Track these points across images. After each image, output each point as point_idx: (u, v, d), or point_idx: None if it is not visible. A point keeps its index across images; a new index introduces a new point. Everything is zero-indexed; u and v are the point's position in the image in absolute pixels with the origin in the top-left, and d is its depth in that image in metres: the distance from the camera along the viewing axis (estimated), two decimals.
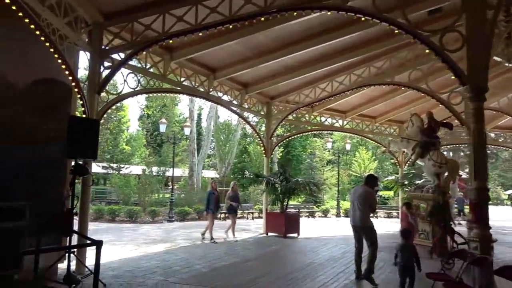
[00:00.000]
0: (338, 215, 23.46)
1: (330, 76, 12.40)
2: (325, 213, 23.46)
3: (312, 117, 15.62)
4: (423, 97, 14.35)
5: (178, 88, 10.24)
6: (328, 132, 60.92)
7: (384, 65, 11.42)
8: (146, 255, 9.20)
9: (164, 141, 44.60)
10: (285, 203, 13.30)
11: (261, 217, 21.13)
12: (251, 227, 16.09)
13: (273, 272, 7.82)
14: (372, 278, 6.86)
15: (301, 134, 17.13)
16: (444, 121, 12.59)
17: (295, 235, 13.22)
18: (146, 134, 49.17)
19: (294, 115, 14.96)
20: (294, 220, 13.30)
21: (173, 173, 19.13)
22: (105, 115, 30.52)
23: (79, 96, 7.02)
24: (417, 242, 12.13)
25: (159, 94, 31.51)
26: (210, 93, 11.36)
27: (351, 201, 7.51)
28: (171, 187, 20.34)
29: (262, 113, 14.15)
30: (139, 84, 8.78)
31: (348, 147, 24.58)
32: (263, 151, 14.15)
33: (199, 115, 62.33)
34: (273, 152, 14.27)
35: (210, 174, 44.48)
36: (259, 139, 13.96)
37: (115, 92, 8.31)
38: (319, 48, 10.12)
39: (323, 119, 16.11)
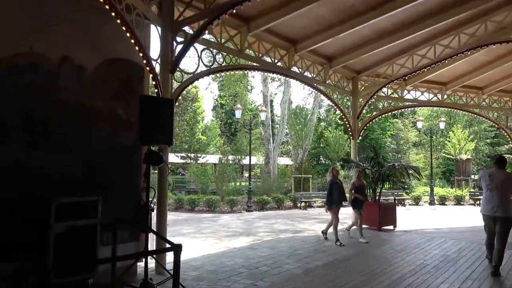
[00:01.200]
0: (432, 202, 20.96)
1: (432, 39, 10.36)
2: (417, 200, 21.10)
3: (406, 91, 13.57)
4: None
5: (256, 64, 9.11)
6: (412, 110, 56.47)
7: (507, 19, 9.12)
8: (229, 250, 8.33)
9: (238, 130, 44.66)
10: (377, 191, 11.68)
11: (344, 206, 19.60)
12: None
13: (379, 276, 6.42)
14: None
15: (386, 114, 15.07)
16: None
17: (391, 227, 11.57)
18: (220, 123, 49.74)
19: (384, 91, 13.09)
20: (390, 210, 11.64)
21: (250, 160, 18.33)
22: (180, 105, 30.87)
23: (151, 76, 6.17)
24: None
25: (232, 81, 31.27)
26: (291, 69, 10.08)
27: (488, 187, 6.43)
28: (248, 175, 19.60)
29: (347, 90, 12.52)
30: (215, 61, 7.80)
31: (442, 125, 21.72)
32: (350, 133, 12.56)
33: (271, 102, 61.79)
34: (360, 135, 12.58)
35: (285, 161, 43.63)
36: (345, 119, 12.38)
37: (189, 71, 7.38)
38: (419, 3, 8.26)
39: (417, 93, 13.95)
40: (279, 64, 9.69)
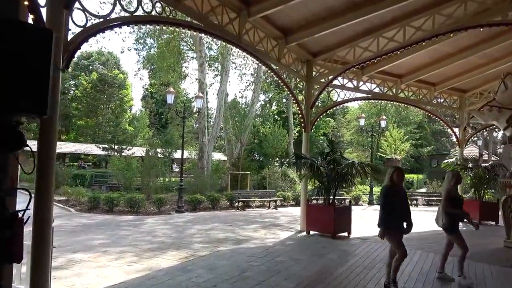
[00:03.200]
0: (371, 202, 20.32)
1: (403, 19, 8.96)
2: (356, 200, 20.31)
3: (361, 82, 12.23)
4: (510, 54, 10.95)
5: (198, 23, 6.86)
6: (344, 109, 57.28)
7: None
8: (151, 276, 6.03)
9: (169, 121, 41.43)
10: (332, 192, 10.11)
11: (285, 206, 18.16)
12: (281, 221, 12.94)
13: None
14: None
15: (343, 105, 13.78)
16: None
17: (345, 234, 10.10)
18: (150, 114, 46.03)
19: (340, 80, 11.63)
20: (345, 214, 10.12)
21: (182, 153, 15.90)
22: (106, 91, 27.31)
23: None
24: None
25: (165, 68, 28.31)
26: (243, 38, 7.99)
27: None
28: (179, 170, 17.16)
29: (302, 74, 10.79)
30: (140, 7, 5.44)
31: (383, 123, 21.19)
32: (302, 124, 10.85)
33: (206, 94, 58.98)
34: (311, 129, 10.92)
35: (219, 157, 41.48)
36: (298, 108, 10.64)
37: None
38: None
39: (372, 86, 12.71)
40: (228, 29, 7.54)
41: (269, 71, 9.57)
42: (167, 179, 23.39)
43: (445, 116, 14.81)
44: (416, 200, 20.92)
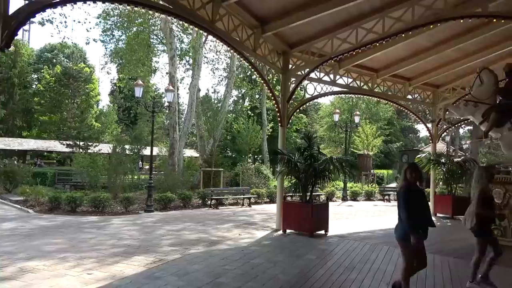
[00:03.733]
0: (345, 198, 20.22)
1: (382, 9, 8.66)
2: (330, 196, 20.14)
3: (338, 76, 11.92)
4: (485, 48, 10.93)
5: (167, 5, 6.22)
6: (316, 106, 57.61)
7: None
8: (115, 286, 5.40)
9: (139, 117, 40.06)
10: (309, 189, 9.73)
11: (259, 203, 17.72)
12: (256, 219, 12.48)
13: None
14: None
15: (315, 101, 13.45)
16: None
17: (322, 232, 9.76)
18: (118, 110, 44.43)
19: (317, 74, 11.27)
20: (323, 212, 9.77)
21: (151, 149, 15.09)
22: (70, 85, 26.06)
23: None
24: None
25: (134, 61, 27.16)
26: (216, 24, 7.41)
27: None
28: (149, 167, 16.37)
29: (278, 66, 10.32)
30: None
31: (357, 119, 21.12)
32: (278, 119, 10.40)
33: (177, 88, 57.55)
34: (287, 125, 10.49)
35: (191, 153, 40.58)
36: (274, 102, 10.18)
37: None
38: None
39: (349, 80, 12.42)
40: (199, 13, 6.94)
41: (242, 65, 9.14)
42: (136, 177, 22.46)
43: (417, 111, 14.76)
44: (389, 195, 21.01)
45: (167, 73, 23.59)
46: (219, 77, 35.48)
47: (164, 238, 8.87)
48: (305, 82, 10.92)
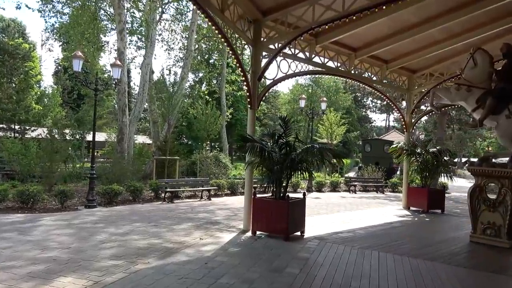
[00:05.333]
0: (310, 189, 19.09)
1: None
2: (295, 188, 18.92)
3: (314, 53, 10.45)
4: (471, 30, 9.94)
5: None
6: (274, 94, 56.58)
7: None
8: None
9: (86, 100, 36.54)
10: (284, 184, 8.25)
11: (219, 195, 16.07)
12: (218, 216, 10.84)
13: None
14: None
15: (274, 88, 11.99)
16: None
17: (298, 233, 8.36)
18: (62, 91, 40.45)
19: (292, 49, 9.74)
20: (299, 209, 8.34)
21: (94, 135, 12.86)
22: (6, 62, 22.68)
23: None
24: (480, 241, 8.11)
25: (78, 34, 24.09)
26: None
27: None
28: (91, 155, 14.13)
29: (248, 36, 8.63)
30: None
31: (323, 106, 19.95)
32: (248, 100, 8.75)
33: (128, 71, 53.71)
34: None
35: (143, 139, 37.95)
36: (244, 80, 8.51)
37: None
38: None
39: (325, 59, 11.01)
40: None
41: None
42: (78, 166, 19.95)
43: (393, 97, 13.75)
44: (355, 186, 20.20)
45: (115, 49, 21.02)
46: (175, 58, 33.00)
47: (105, 246, 7.01)
48: (279, 58, 9.34)
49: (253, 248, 7.24)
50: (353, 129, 54.03)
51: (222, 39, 7.87)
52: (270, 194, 8.51)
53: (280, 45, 8.81)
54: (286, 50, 9.48)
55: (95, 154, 14.16)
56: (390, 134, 47.11)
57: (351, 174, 28.61)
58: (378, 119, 71.71)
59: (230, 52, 8.18)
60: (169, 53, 56.87)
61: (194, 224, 9.33)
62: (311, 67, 10.38)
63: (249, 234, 8.36)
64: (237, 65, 8.41)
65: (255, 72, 8.69)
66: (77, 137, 20.65)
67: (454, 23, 9.75)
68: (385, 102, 58.05)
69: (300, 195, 8.78)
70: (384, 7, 7.37)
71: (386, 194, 20.04)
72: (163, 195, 14.00)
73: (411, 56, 12.10)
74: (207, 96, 31.23)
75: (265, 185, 8.37)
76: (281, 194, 8.20)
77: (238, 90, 38.68)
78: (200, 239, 7.78)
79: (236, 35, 8.22)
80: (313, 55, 10.41)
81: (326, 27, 7.92)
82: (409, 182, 14.52)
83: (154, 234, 8.07)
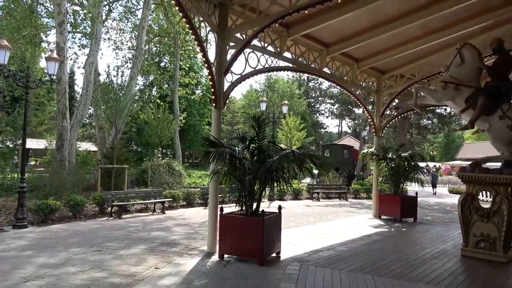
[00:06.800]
0: (271, 198, 17.94)
1: None
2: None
3: (285, 47, 9.30)
4: (449, 26, 9.34)
5: None
6: (230, 98, 55.50)
7: None
8: None
9: (21, 102, 32.94)
10: (256, 196, 6.95)
11: (174, 207, 14.38)
12: (176, 234, 9.28)
13: None
14: None
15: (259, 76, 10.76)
16: None
17: (274, 255, 7.09)
18: None
19: (260, 42, 8.52)
20: (275, 229, 7.06)
21: (24, 138, 10.76)
22: None
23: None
24: (473, 255, 7.34)
25: (14, 32, 21.30)
26: None
27: None
28: (20, 167, 11.92)
29: (213, 23, 7.28)
30: None
31: (285, 109, 18.96)
32: (212, 96, 7.36)
33: (72, 74, 49.86)
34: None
35: (88, 147, 35.03)
36: (208, 73, 7.13)
37: None
38: None
39: (296, 55, 9.91)
40: None
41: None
42: (9, 176, 17.34)
43: (363, 98, 13.01)
44: (318, 194, 19.35)
45: (54, 43, 18.67)
46: (124, 58, 30.73)
47: (29, 286, 5.28)
48: (247, 50, 8.09)
49: (224, 278, 5.83)
50: (308, 135, 54.10)
51: (184, 20, 6.45)
52: (239, 209, 7.19)
53: (249, 34, 7.54)
54: (256, 42, 8.27)
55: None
56: (344, 140, 47.58)
57: (308, 180, 27.95)
58: (331, 124, 72.57)
59: (194, 37, 6.76)
60: (117, 53, 53.64)
61: (147, 247, 7.73)
62: (281, 63, 9.23)
63: (215, 258, 6.95)
64: (201, 53, 7.00)
65: (220, 64, 7.35)
66: (8, 144, 17.94)
67: (433, 18, 9.07)
68: (336, 107, 59.03)
69: (267, 206, 7.51)
70: None
71: (349, 201, 19.40)
72: (109, 209, 12.14)
73: (383, 54, 11.37)
74: (158, 100, 29.29)
75: (234, 199, 6.98)
76: (254, 210, 6.89)
77: (191, 94, 36.94)
78: (156, 268, 6.24)
79: (200, 18, 6.84)
80: (284, 50, 9.26)
81: (306, 12, 6.76)
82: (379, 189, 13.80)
83: (97, 264, 6.40)
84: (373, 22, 9.33)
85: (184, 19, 6.44)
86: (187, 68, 33.40)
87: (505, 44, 7.66)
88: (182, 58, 30.91)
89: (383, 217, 12.69)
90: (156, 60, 36.56)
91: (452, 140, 69.18)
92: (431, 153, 66.19)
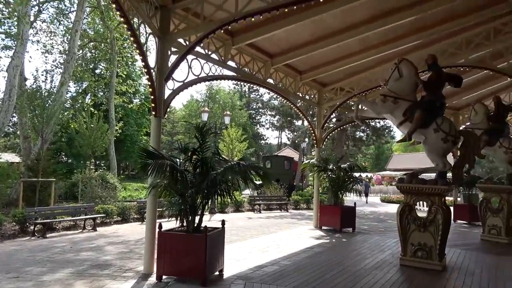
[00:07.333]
0: (212, 211, 17.45)
1: None
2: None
3: (230, 56, 9.06)
4: (390, 42, 9.81)
5: None
6: (171, 109, 54.09)
7: None
8: None
9: None
10: (199, 211, 6.54)
11: (107, 223, 13.32)
12: (109, 254, 8.49)
13: None
14: None
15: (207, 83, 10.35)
16: None
17: (217, 273, 6.70)
18: None
19: (203, 49, 8.20)
20: (218, 245, 6.67)
21: None
22: None
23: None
24: (411, 264, 7.56)
25: None
26: None
27: None
28: None
29: (154, 26, 6.82)
30: None
31: (227, 120, 18.68)
32: (152, 104, 6.85)
33: None
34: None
35: (10, 158, 31.80)
36: (147, 78, 6.62)
37: None
38: None
39: (240, 64, 9.72)
40: None
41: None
42: None
43: (304, 110, 13.17)
44: (259, 205, 19.22)
45: None
46: (54, 62, 28.59)
47: None
48: (190, 57, 7.72)
49: None
50: (249, 146, 54.34)
51: (122, 19, 5.92)
52: (179, 225, 6.72)
53: (193, 40, 7.20)
54: (199, 49, 7.94)
55: None
56: (284, 151, 48.45)
57: (248, 192, 27.75)
58: (271, 136, 73.81)
59: (132, 39, 6.23)
60: (46, 57, 49.89)
61: (74, 270, 6.91)
62: (226, 71, 8.95)
63: (153, 280, 6.37)
64: (141, 58, 6.48)
65: (161, 70, 6.88)
66: None
67: (372, 34, 9.43)
68: (276, 119, 60.10)
69: (208, 220, 7.13)
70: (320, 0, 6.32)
71: (290, 212, 19.52)
72: (32, 227, 10.90)
73: (325, 67, 11.61)
74: (92, 108, 27.52)
75: (175, 213, 6.49)
76: (197, 226, 6.46)
77: (129, 103, 35.31)
78: None
79: (140, 20, 6.36)
80: (228, 58, 9.02)
81: (253, 19, 6.57)
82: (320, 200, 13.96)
83: None
84: (316, 35, 9.46)
85: (122, 19, 5.90)
86: (124, 76, 31.89)
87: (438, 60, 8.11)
88: (119, 65, 29.49)
89: (323, 227, 12.81)
90: (91, 66, 34.57)
91: (382, 151, 73.56)
92: (363, 164, 69.78)
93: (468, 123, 12.22)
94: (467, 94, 15.05)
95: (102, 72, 35.96)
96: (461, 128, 13.91)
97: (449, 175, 8.26)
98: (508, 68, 10.83)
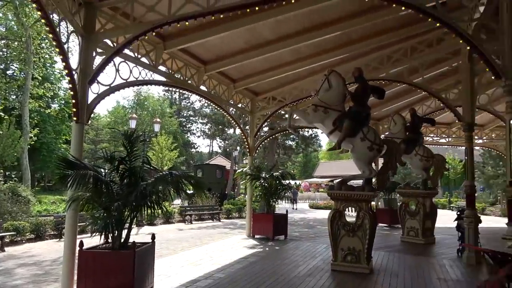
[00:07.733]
0: (140, 224, 16.53)
1: None
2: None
3: (161, 61, 8.65)
4: (321, 53, 10.19)
5: None
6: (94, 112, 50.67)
7: None
8: None
9: None
10: (126, 226, 6.05)
11: (18, 242, 11.89)
12: (19, 280, 7.51)
13: None
14: None
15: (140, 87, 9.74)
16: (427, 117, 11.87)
17: None
18: None
19: (132, 52, 7.74)
20: (147, 262, 6.22)
21: None
22: None
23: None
24: (341, 269, 7.82)
25: None
26: None
27: None
28: None
29: (77, 25, 6.23)
30: None
31: (157, 128, 17.94)
32: (74, 109, 6.21)
33: None
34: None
35: None
36: (69, 79, 6.01)
37: None
38: None
39: (172, 70, 9.35)
40: None
41: None
42: None
43: (238, 119, 13.10)
44: (190, 216, 18.67)
45: None
46: None
47: None
48: (118, 59, 7.21)
49: None
50: (180, 154, 53.08)
51: (39, 13, 5.29)
52: (104, 241, 6.15)
53: (121, 41, 6.73)
54: (128, 52, 7.47)
55: None
56: (215, 160, 48.16)
57: (178, 202, 26.89)
58: (202, 144, 73.05)
59: (51, 36, 5.61)
60: None
61: None
62: (156, 76, 8.55)
63: None
64: (61, 57, 5.85)
65: (84, 72, 6.30)
66: None
67: (303, 46, 9.69)
68: (208, 127, 59.59)
69: (135, 233, 6.67)
70: (256, 8, 6.29)
71: (222, 221, 19.28)
72: None
73: (258, 76, 11.67)
74: (1, 113, 24.81)
75: (99, 229, 5.92)
76: (122, 242, 5.96)
77: (46, 108, 32.46)
78: None
79: (61, 16, 5.75)
80: (160, 63, 8.62)
81: (187, 23, 6.32)
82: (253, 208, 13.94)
83: None
84: (250, 43, 9.46)
85: (39, 12, 5.28)
86: (41, 78, 29.29)
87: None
88: (36, 66, 27.01)
89: (256, 236, 12.78)
90: (1, 66, 31.28)
91: (310, 159, 76.63)
92: (292, 171, 72.20)
93: (388, 133, 13.01)
94: (387, 106, 16.18)
95: (15, 74, 32.76)
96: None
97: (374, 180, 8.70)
98: (422, 83, 11.80)
